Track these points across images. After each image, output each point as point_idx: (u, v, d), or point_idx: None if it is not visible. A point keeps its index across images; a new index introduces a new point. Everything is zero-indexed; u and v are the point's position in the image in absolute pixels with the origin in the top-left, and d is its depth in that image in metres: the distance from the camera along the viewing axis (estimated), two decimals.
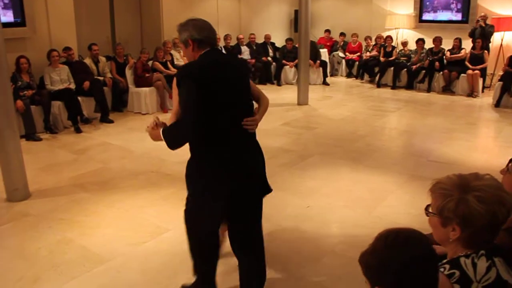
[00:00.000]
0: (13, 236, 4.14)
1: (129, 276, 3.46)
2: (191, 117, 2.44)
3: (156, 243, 3.95)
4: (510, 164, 2.11)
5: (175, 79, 2.55)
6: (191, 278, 3.40)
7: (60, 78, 7.89)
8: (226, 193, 2.61)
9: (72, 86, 7.96)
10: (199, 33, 2.58)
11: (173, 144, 2.56)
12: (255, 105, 2.87)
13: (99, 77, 8.65)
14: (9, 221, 4.41)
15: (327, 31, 13.36)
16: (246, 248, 2.94)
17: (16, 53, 7.33)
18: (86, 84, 8.03)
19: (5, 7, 7.50)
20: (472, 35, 10.56)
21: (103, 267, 3.58)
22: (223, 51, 11.21)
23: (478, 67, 10.17)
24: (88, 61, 8.75)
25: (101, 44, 9.27)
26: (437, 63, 10.71)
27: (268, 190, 2.93)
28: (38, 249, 3.86)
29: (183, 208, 2.81)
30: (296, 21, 11.77)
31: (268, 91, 11.18)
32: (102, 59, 8.99)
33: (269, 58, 12.21)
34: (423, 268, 1.38)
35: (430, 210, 1.69)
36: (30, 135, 7.15)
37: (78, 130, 7.59)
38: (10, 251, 3.88)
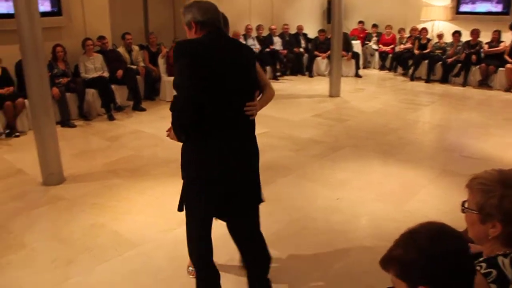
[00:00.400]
0: (48, 219, 4.27)
1: (158, 262, 3.52)
2: (184, 100, 2.37)
3: (185, 230, 3.98)
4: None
5: None
6: (220, 265, 3.44)
7: (94, 67, 8.04)
8: (217, 182, 2.54)
9: (106, 74, 8.10)
10: (203, 15, 2.48)
11: (177, 135, 2.50)
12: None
13: (132, 66, 8.76)
14: (45, 204, 4.54)
15: (361, 22, 13.17)
16: (246, 240, 2.90)
17: (53, 41, 7.49)
18: (119, 72, 8.15)
19: None
20: None
21: (133, 252, 3.65)
22: (255, 41, 11.20)
23: None
24: (121, 50, 8.87)
25: (134, 33, 9.38)
26: (474, 57, 10.42)
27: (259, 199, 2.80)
28: (72, 232, 3.97)
29: None
30: (329, 12, 11.65)
31: (300, 82, 11.16)
32: (135, 48, 9.10)
33: (301, 49, 12.14)
34: (463, 262, 1.33)
35: (467, 206, 1.64)
36: (65, 121, 7.32)
37: (111, 118, 7.73)
38: (46, 233, 4.00)
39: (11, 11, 6.26)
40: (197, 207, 2.63)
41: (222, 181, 2.55)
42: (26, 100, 6.40)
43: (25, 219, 4.24)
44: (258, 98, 2.71)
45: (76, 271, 3.41)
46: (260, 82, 2.78)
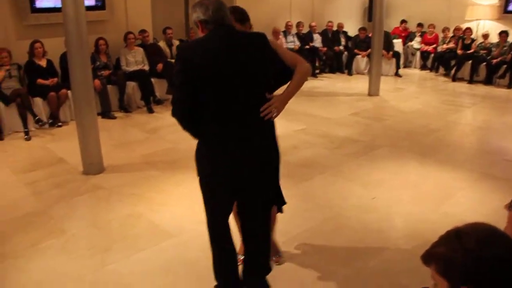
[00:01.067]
0: (87, 207, 4.40)
1: (193, 253, 3.57)
2: (175, 101, 2.54)
3: None
4: None
5: None
6: None
7: (135, 60, 8.19)
8: (223, 176, 2.60)
9: (146, 67, 8.24)
10: (204, 13, 2.49)
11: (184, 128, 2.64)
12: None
13: (172, 60, 8.88)
14: (85, 193, 4.67)
15: (404, 21, 12.92)
16: (251, 237, 2.92)
17: (96, 34, 7.69)
18: (160, 66, 8.29)
19: None
20: None
21: (169, 242, 3.72)
22: (295, 38, 11.16)
23: None
24: (162, 44, 9.00)
25: (175, 27, 9.51)
26: None
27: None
28: (110, 221, 4.07)
29: None
30: (371, 10, 11.49)
31: (339, 80, 11.07)
32: (176, 42, 9.22)
33: (341, 47, 12.04)
34: (510, 269, 1.29)
35: None
36: (106, 113, 7.50)
37: (150, 110, 7.87)
38: (85, 220, 4.12)
39: (57, 5, 6.47)
40: (206, 200, 2.78)
41: (227, 176, 2.59)
42: (69, 91, 6.59)
43: (66, 206, 4.38)
44: (270, 96, 2.64)
45: (112, 258, 3.50)
46: (289, 62, 2.75)
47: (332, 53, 11.75)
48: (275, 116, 2.61)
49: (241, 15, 2.92)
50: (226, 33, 2.49)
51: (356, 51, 11.78)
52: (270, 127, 2.70)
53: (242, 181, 2.64)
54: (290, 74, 2.74)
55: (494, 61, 10.45)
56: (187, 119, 2.56)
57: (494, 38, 10.91)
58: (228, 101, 2.46)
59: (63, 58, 6.95)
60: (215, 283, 2.99)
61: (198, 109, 2.47)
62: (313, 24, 11.79)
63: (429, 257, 1.39)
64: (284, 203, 3.27)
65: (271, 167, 2.79)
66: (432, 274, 1.37)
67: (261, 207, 2.80)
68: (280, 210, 3.29)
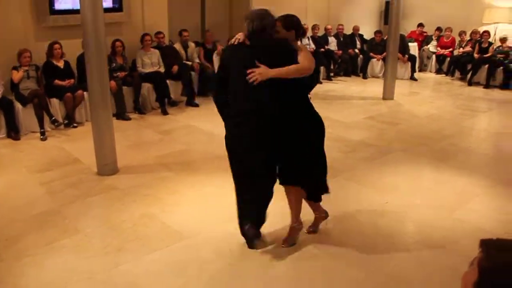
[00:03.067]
0: (101, 207, 4.44)
1: (205, 255, 3.59)
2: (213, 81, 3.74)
3: (232, 226, 4.04)
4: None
5: None
6: (263, 264, 3.49)
7: (151, 62, 8.26)
8: (236, 147, 3.50)
9: (162, 69, 8.30)
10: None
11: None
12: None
13: (187, 62, 8.94)
14: (99, 193, 4.73)
15: (420, 25, 12.80)
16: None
17: (113, 36, 7.76)
18: (175, 68, 8.35)
19: None
20: None
21: (182, 243, 3.75)
22: (310, 41, 11.13)
23: None
24: (177, 46, 9.05)
25: (191, 30, 9.55)
26: None
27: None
28: (123, 221, 4.11)
29: None
30: (387, 13, 11.43)
31: (353, 83, 11.04)
32: (191, 44, 9.27)
33: (356, 50, 12.00)
34: None
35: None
36: (121, 114, 7.57)
37: (164, 112, 7.92)
38: (99, 220, 4.17)
39: (76, 7, 6.55)
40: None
41: (238, 145, 3.44)
42: (85, 92, 6.67)
43: (80, 206, 4.43)
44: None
45: (125, 258, 3.54)
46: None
47: (347, 56, 11.72)
48: (256, 82, 3.17)
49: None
50: (249, 37, 3.33)
51: (371, 54, 11.74)
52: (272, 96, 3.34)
53: (245, 150, 3.49)
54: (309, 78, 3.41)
55: None
56: (216, 95, 3.61)
57: None
58: (236, 84, 3.35)
59: (80, 59, 7.03)
60: (226, 285, 3.01)
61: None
62: (329, 27, 11.76)
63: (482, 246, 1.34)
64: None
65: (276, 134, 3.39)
66: (474, 259, 1.33)
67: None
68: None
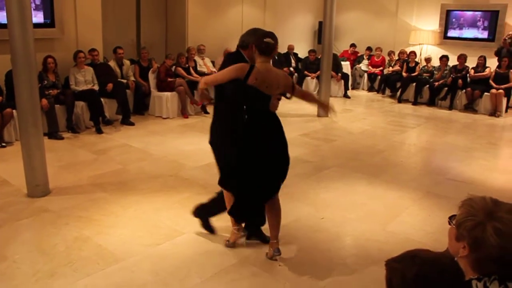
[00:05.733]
0: (31, 231, 4.24)
1: (141, 276, 3.51)
2: None
3: (170, 245, 4.00)
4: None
5: None
6: (203, 282, 3.46)
7: (84, 79, 8.05)
8: None
9: (96, 87, 8.10)
10: None
11: None
12: None
13: (122, 80, 8.79)
14: (29, 216, 4.51)
15: (353, 45, 13.31)
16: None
17: (44, 52, 7.51)
18: (110, 86, 8.17)
19: (36, 8, 7.69)
20: (498, 53, 10.47)
21: (117, 266, 3.65)
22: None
23: (503, 86, 10.04)
24: (112, 63, 8.89)
25: (126, 47, 9.43)
26: (460, 81, 10.62)
27: None
28: (55, 245, 3.95)
29: None
30: (320, 33, 11.78)
31: (289, 101, 11.18)
32: (127, 62, 9.13)
33: (291, 69, 12.26)
34: None
35: (453, 221, 1.68)
36: (53, 133, 7.30)
37: (99, 131, 7.72)
38: (28, 245, 3.97)
39: (3, 21, 6.29)
40: None
41: None
42: (14, 111, 6.38)
43: (8, 230, 4.21)
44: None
45: (58, 284, 3.39)
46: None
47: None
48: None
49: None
50: None
51: (306, 72, 12.03)
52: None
53: None
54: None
55: (436, 83, 10.94)
56: None
57: (436, 62, 11.43)
58: None
59: (9, 76, 6.73)
60: None
61: None
62: None
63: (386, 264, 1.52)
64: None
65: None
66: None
67: None
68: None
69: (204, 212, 4.18)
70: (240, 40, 3.85)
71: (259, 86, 3.47)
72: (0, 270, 3.56)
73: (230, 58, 3.88)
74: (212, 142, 3.97)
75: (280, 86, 3.62)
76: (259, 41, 3.50)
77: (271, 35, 3.53)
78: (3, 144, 6.79)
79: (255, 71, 3.46)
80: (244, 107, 3.61)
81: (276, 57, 12.00)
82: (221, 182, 3.76)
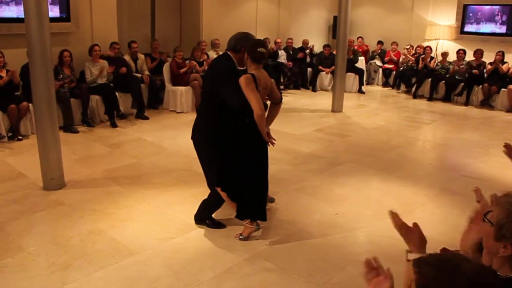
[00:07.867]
0: (47, 223, 4.29)
1: (155, 270, 3.53)
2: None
3: (183, 239, 4.01)
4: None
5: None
6: (216, 276, 3.47)
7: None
8: None
9: (105, 79, 8.10)
10: None
11: None
12: None
13: (137, 74, 8.81)
14: (44, 209, 4.56)
15: (360, 38, 13.25)
16: None
17: (60, 46, 7.56)
18: (123, 69, 8.19)
19: (52, 2, 7.74)
20: None
21: (131, 260, 3.67)
22: None
23: None
24: (127, 58, 8.92)
25: (140, 41, 9.45)
26: (476, 73, 10.46)
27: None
28: (70, 238, 3.99)
29: None
30: (335, 28, 11.72)
31: (303, 96, 11.20)
32: (141, 56, 9.16)
33: (306, 52, 12.25)
34: None
35: (489, 218, 1.65)
36: (68, 127, 7.36)
37: (114, 125, 7.77)
38: (44, 237, 4.02)
39: (20, 15, 6.34)
40: None
41: None
42: (30, 104, 6.44)
43: (24, 223, 4.26)
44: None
45: (72, 276, 3.42)
46: None
47: (297, 69, 11.89)
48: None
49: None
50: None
51: (320, 67, 11.97)
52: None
53: None
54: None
55: (452, 71, 10.79)
56: None
57: (452, 58, 11.28)
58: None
59: (24, 69, 6.79)
60: None
61: None
62: (278, 40, 11.91)
63: (415, 265, 1.39)
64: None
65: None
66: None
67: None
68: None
69: (204, 213, 4.21)
70: (231, 43, 3.96)
71: (261, 92, 3.76)
72: (16, 261, 3.60)
73: (227, 70, 3.89)
74: (198, 141, 4.05)
75: (267, 88, 3.92)
76: (253, 50, 3.73)
77: (263, 44, 3.86)
78: (19, 137, 6.86)
79: (257, 80, 3.73)
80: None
81: (291, 52, 11.99)
82: (221, 185, 3.92)
